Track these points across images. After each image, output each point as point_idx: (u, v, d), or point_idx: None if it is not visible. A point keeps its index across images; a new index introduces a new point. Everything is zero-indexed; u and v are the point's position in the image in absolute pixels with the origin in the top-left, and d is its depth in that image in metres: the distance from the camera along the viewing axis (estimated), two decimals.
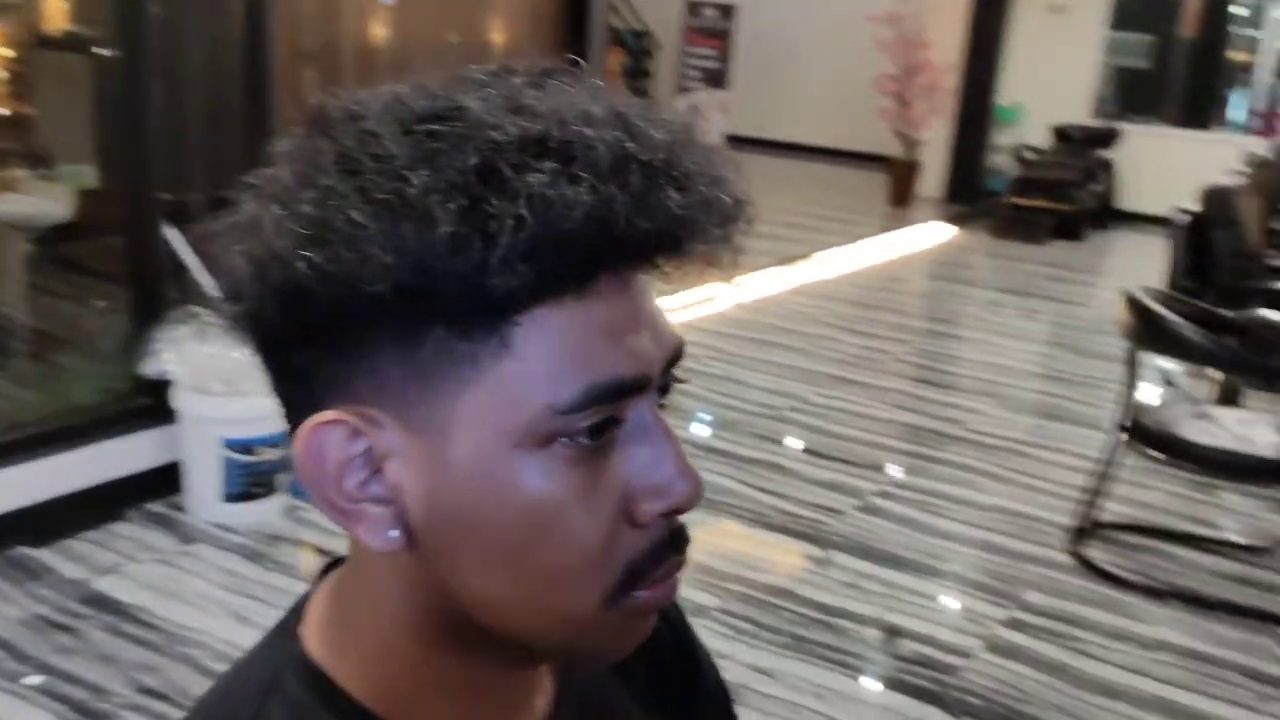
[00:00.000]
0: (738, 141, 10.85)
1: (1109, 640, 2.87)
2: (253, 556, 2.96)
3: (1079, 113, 9.04)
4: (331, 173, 0.48)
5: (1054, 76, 9.02)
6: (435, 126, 0.47)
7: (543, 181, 0.45)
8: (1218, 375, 4.17)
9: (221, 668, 2.45)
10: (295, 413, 0.52)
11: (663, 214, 0.48)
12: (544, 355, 0.48)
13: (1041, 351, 5.74)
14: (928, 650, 2.77)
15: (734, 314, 5.66)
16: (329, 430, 0.50)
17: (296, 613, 0.59)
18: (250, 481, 3.08)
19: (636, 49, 10.65)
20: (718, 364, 4.81)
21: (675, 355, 0.54)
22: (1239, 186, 4.22)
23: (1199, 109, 9.70)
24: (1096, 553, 3.30)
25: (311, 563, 2.96)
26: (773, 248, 6.61)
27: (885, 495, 3.60)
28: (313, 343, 0.49)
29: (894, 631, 2.84)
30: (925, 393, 4.70)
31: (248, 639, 2.73)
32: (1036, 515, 3.55)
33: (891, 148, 8.84)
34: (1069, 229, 8.12)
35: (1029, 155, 8.31)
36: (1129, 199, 8.91)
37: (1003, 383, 4.92)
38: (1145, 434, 3.20)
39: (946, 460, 3.93)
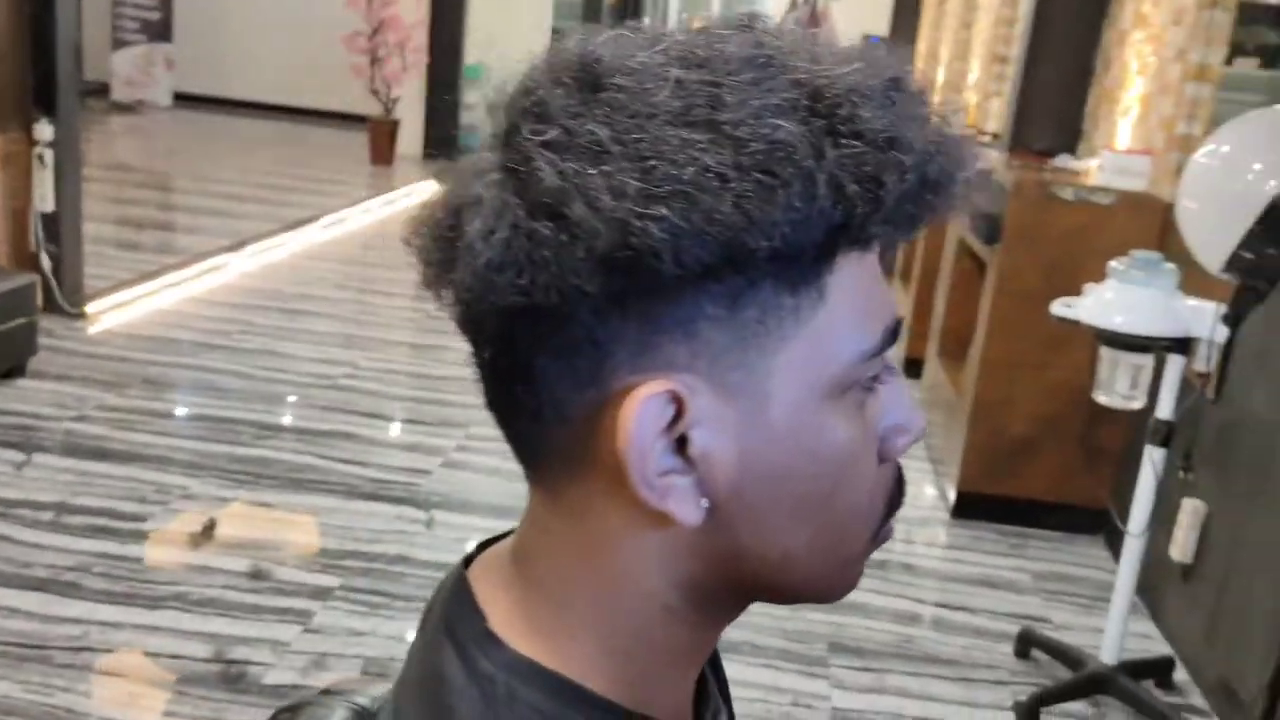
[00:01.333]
0: (185, 99, 10.09)
1: None
2: None
3: None
4: (665, 124, 0.44)
5: (512, 36, 9.45)
6: (760, 74, 0.46)
7: (908, 128, 0.46)
8: None
9: None
10: (562, 393, 0.48)
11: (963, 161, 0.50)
12: (849, 303, 0.48)
13: None
14: None
15: (244, 284, 5.34)
16: (650, 403, 0.46)
17: (472, 611, 0.53)
18: None
19: None
20: (252, 338, 4.54)
21: None
22: None
23: None
24: None
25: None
26: (273, 213, 6.31)
27: (465, 449, 3.66)
28: (628, 311, 0.46)
29: None
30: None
31: None
32: None
33: (368, 106, 8.75)
34: None
35: None
36: None
37: None
38: None
39: None
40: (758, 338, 0.47)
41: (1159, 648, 2.90)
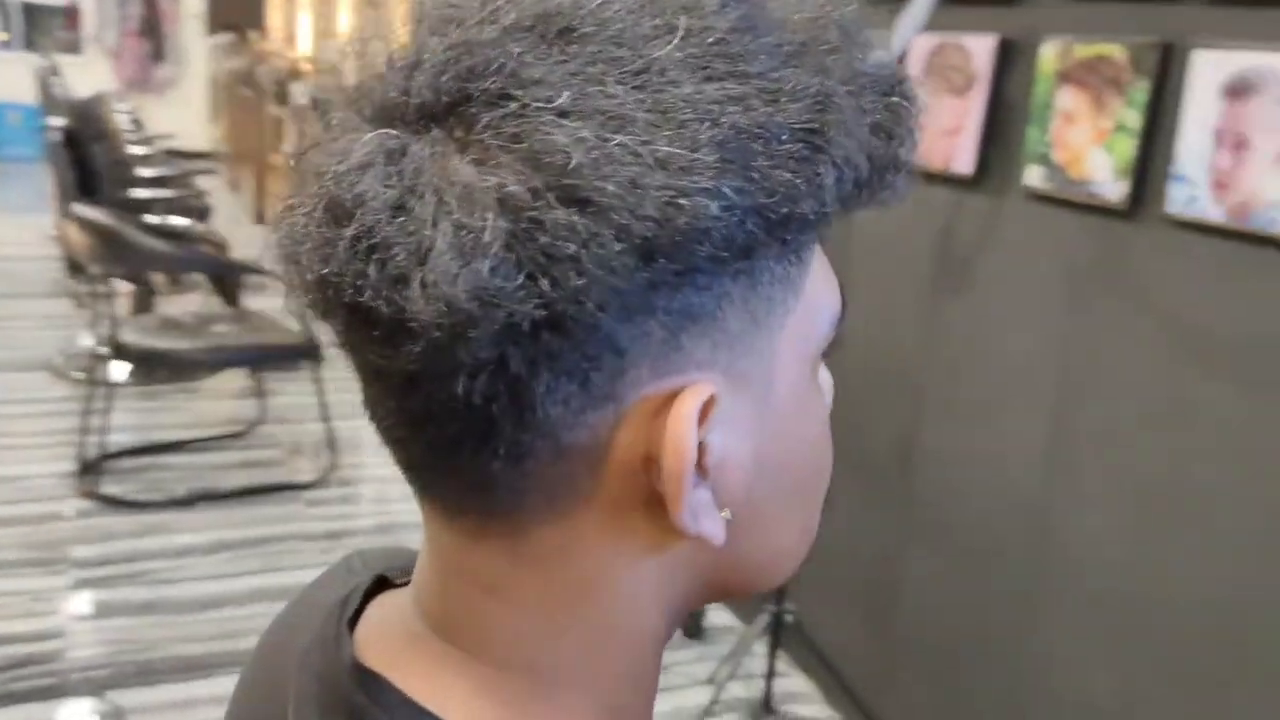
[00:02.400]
0: None
1: (174, 560, 2.87)
2: None
3: None
4: (687, 80, 0.36)
5: None
6: (751, 16, 0.39)
7: (894, 71, 0.42)
8: (127, 288, 4.23)
9: None
10: (567, 418, 0.37)
11: None
12: (820, 264, 0.44)
13: None
14: (14, 649, 2.43)
15: None
16: (695, 413, 0.38)
17: (414, 713, 0.41)
18: None
19: None
20: None
21: None
22: (103, 97, 4.20)
23: None
24: (114, 487, 3.20)
25: None
26: None
27: None
28: (655, 307, 0.37)
29: None
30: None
31: None
32: (31, 473, 3.25)
33: None
34: None
35: None
36: None
37: None
38: (130, 354, 3.16)
39: None
40: (766, 316, 0.40)
41: None
